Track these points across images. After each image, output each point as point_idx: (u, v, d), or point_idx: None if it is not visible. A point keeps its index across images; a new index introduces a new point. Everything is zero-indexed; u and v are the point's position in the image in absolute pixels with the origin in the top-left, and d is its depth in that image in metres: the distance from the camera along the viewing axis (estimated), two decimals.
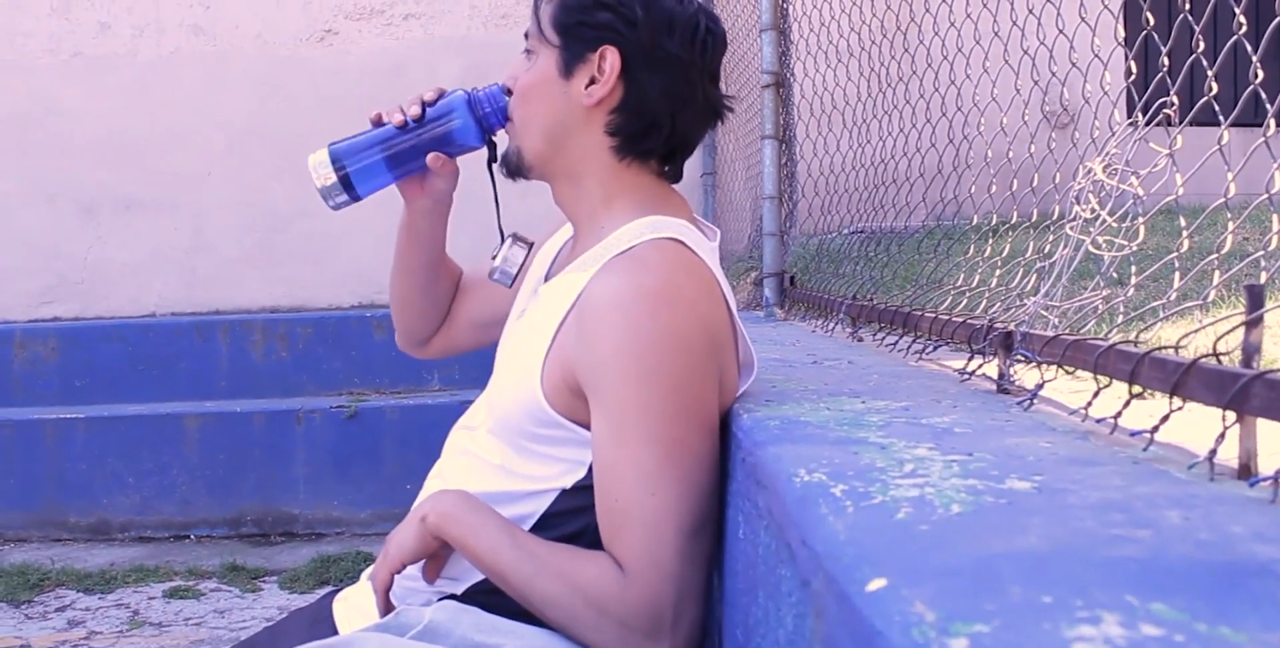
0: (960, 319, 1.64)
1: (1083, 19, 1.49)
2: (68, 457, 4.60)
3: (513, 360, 1.36)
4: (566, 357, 1.25)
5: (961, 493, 0.83)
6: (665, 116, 1.34)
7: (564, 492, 1.29)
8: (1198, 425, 0.97)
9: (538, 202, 1.55)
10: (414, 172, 1.46)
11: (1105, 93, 1.44)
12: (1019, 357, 1.37)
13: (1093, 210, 1.35)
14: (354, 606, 1.44)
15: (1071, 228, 1.38)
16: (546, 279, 1.44)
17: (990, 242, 1.80)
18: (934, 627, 0.56)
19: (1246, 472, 0.88)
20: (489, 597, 1.30)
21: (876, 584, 0.64)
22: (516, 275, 1.48)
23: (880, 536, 0.73)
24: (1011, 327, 1.41)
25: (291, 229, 5.49)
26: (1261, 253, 1.02)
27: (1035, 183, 1.66)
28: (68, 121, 5.58)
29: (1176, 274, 1.18)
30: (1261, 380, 0.85)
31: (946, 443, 1.04)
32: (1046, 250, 1.52)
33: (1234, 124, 1.10)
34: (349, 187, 1.43)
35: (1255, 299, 0.90)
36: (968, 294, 1.80)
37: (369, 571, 1.47)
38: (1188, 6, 1.20)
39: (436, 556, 1.33)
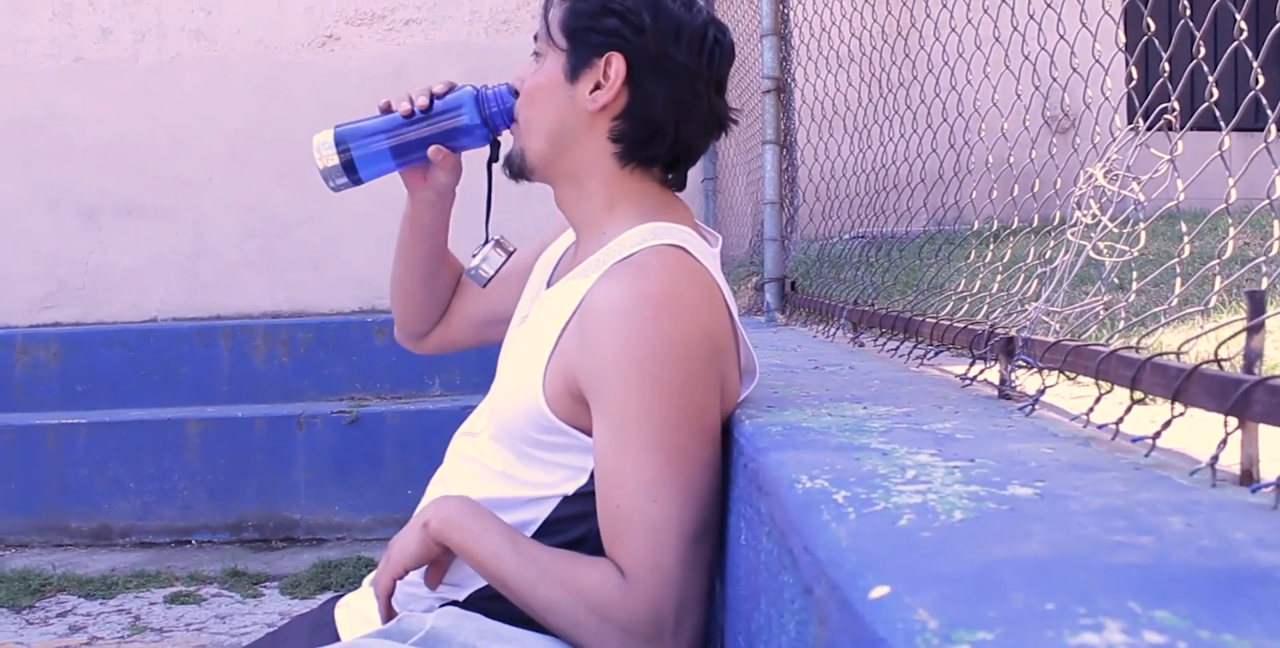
0: (961, 324, 1.64)
1: (1083, 24, 1.50)
2: (69, 462, 4.60)
3: (515, 366, 1.37)
4: (568, 363, 1.25)
5: (964, 499, 0.83)
6: (669, 125, 1.34)
7: (566, 498, 1.29)
8: (1199, 431, 0.97)
9: (540, 205, 1.55)
10: (416, 162, 1.46)
11: (1106, 98, 1.44)
12: (1020, 362, 1.37)
13: (1094, 216, 1.35)
14: (356, 611, 1.44)
15: (1073, 233, 1.38)
16: (549, 285, 1.45)
17: (991, 247, 1.80)
18: (937, 634, 0.56)
19: (1248, 478, 0.88)
20: (491, 603, 1.30)
21: (879, 591, 0.64)
22: (490, 278, 1.49)
23: (883, 542, 0.73)
24: (1013, 332, 1.41)
25: (293, 234, 5.49)
26: (1263, 258, 1.02)
27: (1036, 188, 1.66)
28: (69, 127, 5.59)
29: (1178, 279, 1.18)
30: (1263, 386, 0.85)
31: (948, 449, 1.04)
32: (1048, 256, 1.52)
33: (1235, 129, 1.10)
34: (351, 170, 1.44)
35: (1256, 305, 0.90)
36: (969, 299, 1.80)
37: (371, 576, 1.47)
38: (1188, 12, 1.20)
39: (439, 561, 1.33)
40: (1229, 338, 0.92)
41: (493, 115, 1.42)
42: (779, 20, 3.36)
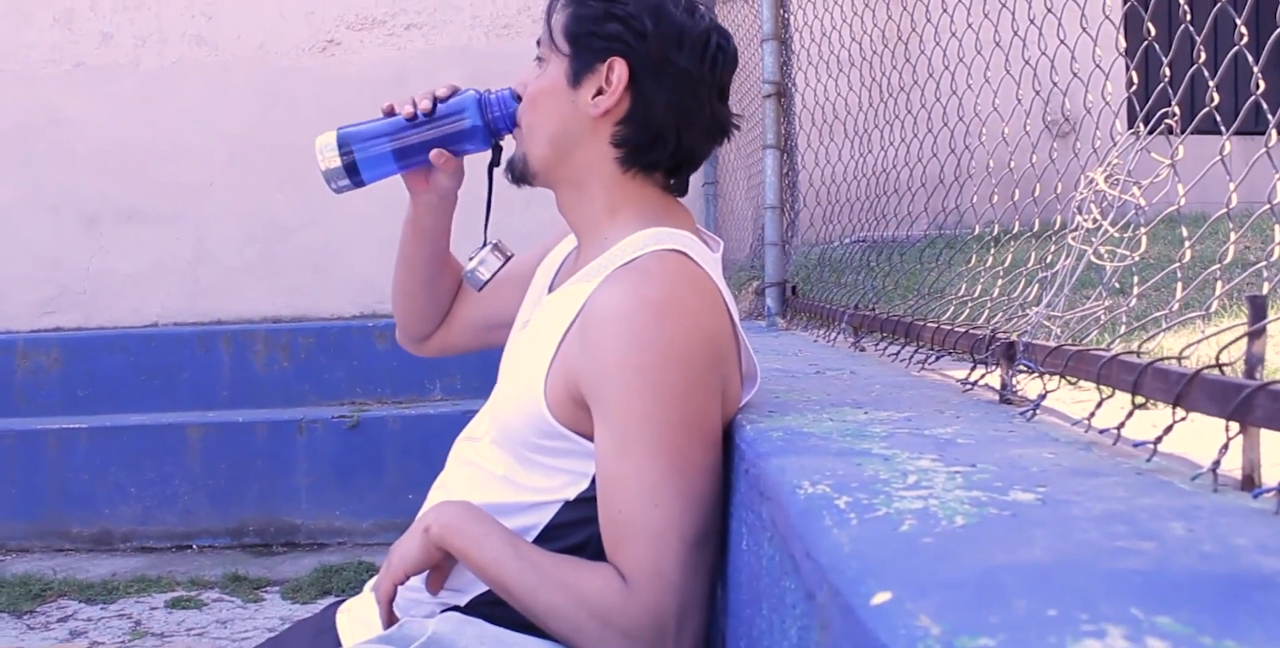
0: (962, 329, 1.64)
1: (1084, 29, 1.50)
2: (70, 467, 4.60)
3: (516, 371, 1.37)
4: (570, 368, 1.26)
5: (965, 505, 0.83)
6: (670, 130, 1.34)
7: (567, 503, 1.29)
8: (1201, 436, 0.97)
9: (542, 210, 1.55)
10: (419, 165, 1.46)
11: (1106, 103, 1.44)
12: (1021, 367, 1.37)
13: (1095, 220, 1.35)
14: (357, 616, 1.44)
15: (1074, 237, 1.38)
16: (550, 290, 1.45)
17: (992, 251, 1.80)
18: (939, 640, 0.56)
19: (1250, 483, 0.88)
20: (493, 608, 1.30)
21: (881, 597, 0.64)
22: (487, 282, 1.49)
23: (884, 548, 0.73)
24: (1014, 337, 1.41)
25: (293, 239, 5.49)
26: (1264, 263, 1.02)
27: (1037, 192, 1.66)
28: (70, 132, 5.59)
29: (1179, 284, 1.18)
30: (1265, 391, 0.85)
31: (950, 454, 1.04)
32: (1048, 260, 1.52)
33: (1235, 133, 1.10)
34: (353, 172, 1.44)
35: (1258, 310, 0.90)
36: (970, 304, 1.80)
37: (372, 581, 1.47)
38: (1189, 17, 1.20)
39: (440, 567, 1.33)
40: (1230, 343, 0.92)
41: (495, 119, 1.43)
42: (779, 25, 3.36)
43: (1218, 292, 1.10)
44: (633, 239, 1.32)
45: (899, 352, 1.98)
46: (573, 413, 1.26)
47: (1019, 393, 1.39)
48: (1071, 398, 1.32)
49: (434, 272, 1.61)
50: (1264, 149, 1.01)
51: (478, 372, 4.61)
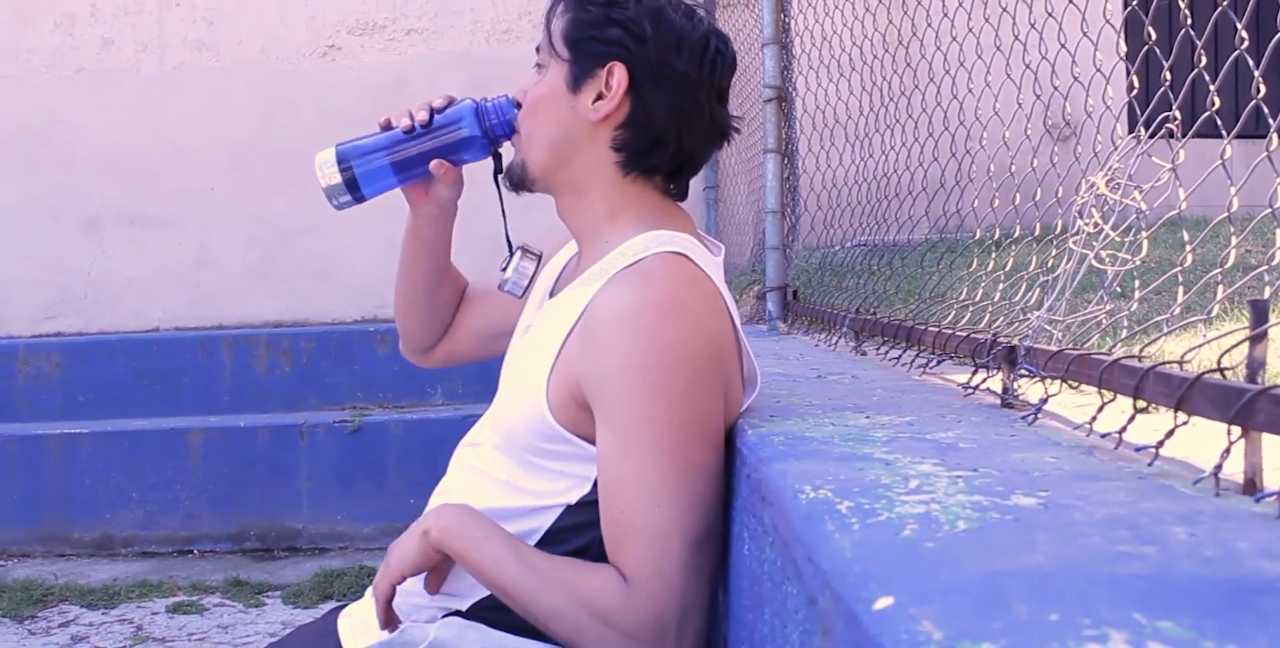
0: (964, 333, 1.64)
1: (1084, 33, 1.50)
2: (71, 472, 4.60)
3: (518, 375, 1.37)
4: (572, 370, 1.26)
5: (967, 509, 0.83)
6: (671, 134, 1.34)
7: (569, 507, 1.29)
8: (1203, 440, 0.97)
9: (542, 215, 1.55)
10: (419, 177, 1.46)
11: (1107, 107, 1.45)
12: (1023, 371, 1.37)
13: (1096, 224, 1.35)
14: (359, 621, 1.44)
15: (1075, 241, 1.38)
16: (551, 295, 1.45)
17: (993, 255, 1.80)
18: (941, 645, 0.56)
19: (1252, 487, 0.88)
20: (494, 613, 1.30)
21: (883, 602, 0.63)
22: (527, 287, 1.49)
23: (886, 553, 0.73)
24: (1015, 341, 1.41)
25: (295, 244, 5.50)
26: (1265, 267, 1.02)
27: (1038, 196, 1.66)
28: (71, 137, 5.60)
29: (1180, 288, 1.18)
30: (1266, 396, 0.85)
31: (951, 459, 1.04)
32: (1050, 264, 1.52)
33: (1236, 136, 1.10)
34: (353, 187, 1.43)
35: (1259, 314, 0.90)
36: (971, 308, 1.80)
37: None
38: (1189, 21, 1.20)
39: (438, 568, 1.33)
40: (1232, 347, 0.92)
41: (493, 126, 1.42)
42: (780, 29, 3.37)
43: (1219, 296, 1.10)
44: (634, 242, 1.32)
45: (900, 356, 1.98)
46: (575, 415, 1.26)
47: (1020, 397, 1.39)
48: (1073, 402, 1.32)
49: (436, 283, 1.61)
50: (1265, 153, 1.01)
51: (479, 377, 4.61)
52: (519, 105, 1.41)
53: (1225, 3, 1.09)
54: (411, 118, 1.43)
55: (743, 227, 4.68)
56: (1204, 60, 1.17)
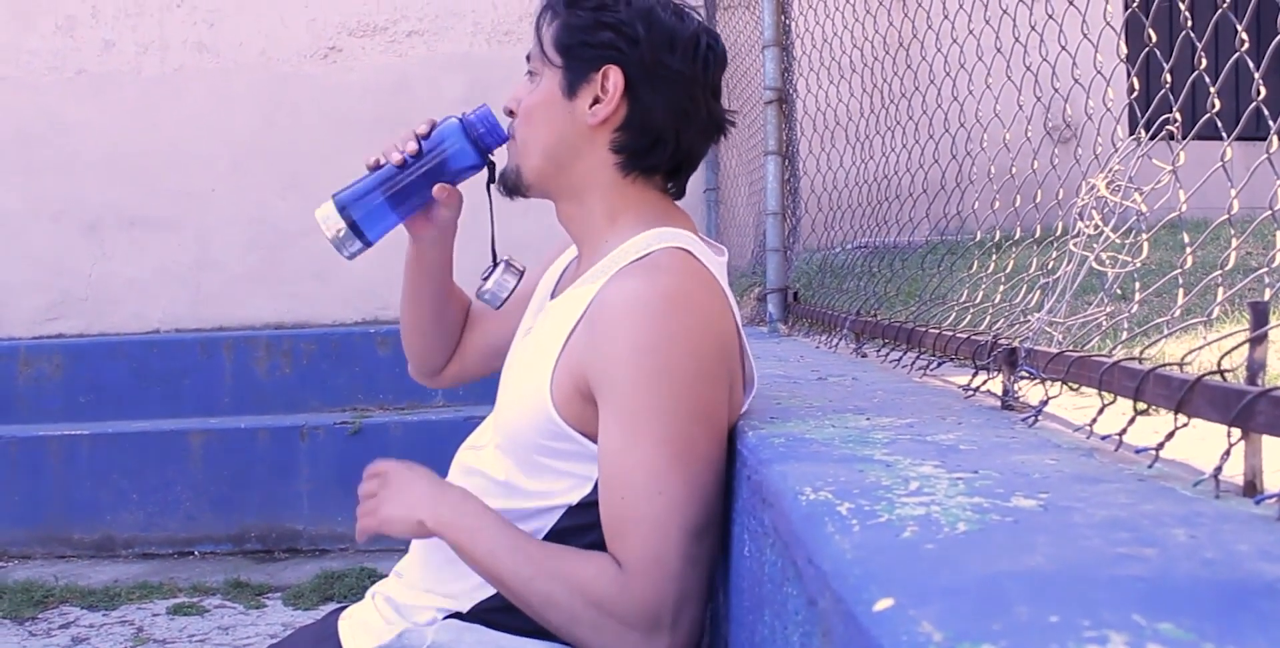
0: (964, 335, 1.64)
1: (1085, 35, 1.50)
2: (72, 473, 4.60)
3: (521, 375, 1.37)
4: (577, 360, 1.26)
5: (967, 511, 0.83)
6: (670, 133, 1.35)
7: (570, 508, 1.30)
8: (1203, 442, 0.97)
9: (541, 218, 1.55)
10: (420, 207, 1.45)
11: (1108, 109, 1.45)
12: (1023, 373, 1.37)
13: (1096, 226, 1.35)
14: (359, 622, 1.44)
15: (1075, 243, 1.38)
16: (552, 297, 1.45)
17: (994, 257, 1.80)
18: (941, 647, 0.56)
19: (1252, 489, 0.88)
20: (494, 615, 1.31)
21: (884, 604, 0.64)
22: (505, 300, 1.49)
23: (887, 554, 0.73)
24: (1015, 343, 1.41)
25: (295, 246, 5.50)
26: (1265, 269, 1.02)
27: (1038, 198, 1.66)
28: (72, 139, 5.61)
29: (1180, 290, 1.18)
30: (1266, 398, 0.85)
31: (952, 460, 1.04)
32: (1050, 266, 1.52)
33: (1236, 138, 1.10)
34: (359, 233, 1.42)
35: (1259, 316, 0.90)
36: (971, 310, 1.80)
37: (375, 587, 1.47)
38: (1189, 23, 1.20)
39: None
40: (1232, 349, 0.92)
41: (482, 137, 1.41)
42: (780, 31, 3.37)
43: (1219, 298, 1.10)
44: (637, 240, 1.32)
45: (901, 358, 1.98)
46: (579, 410, 1.26)
47: (1021, 399, 1.39)
48: (1073, 404, 1.32)
49: (442, 305, 1.61)
50: (1265, 155, 1.01)
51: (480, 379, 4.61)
52: (512, 113, 1.41)
53: (1225, 4, 1.09)
54: (400, 151, 1.42)
55: (743, 228, 4.68)
56: (1204, 62, 1.17)
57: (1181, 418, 0.96)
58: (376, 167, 1.44)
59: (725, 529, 1.26)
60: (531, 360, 1.34)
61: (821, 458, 1.09)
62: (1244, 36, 1.09)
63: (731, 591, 1.23)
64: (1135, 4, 1.36)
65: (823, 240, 3.32)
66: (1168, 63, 1.25)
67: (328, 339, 5.12)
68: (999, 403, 1.42)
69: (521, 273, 1.50)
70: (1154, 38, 1.29)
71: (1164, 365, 1.02)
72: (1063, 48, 1.59)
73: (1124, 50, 1.48)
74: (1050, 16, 1.63)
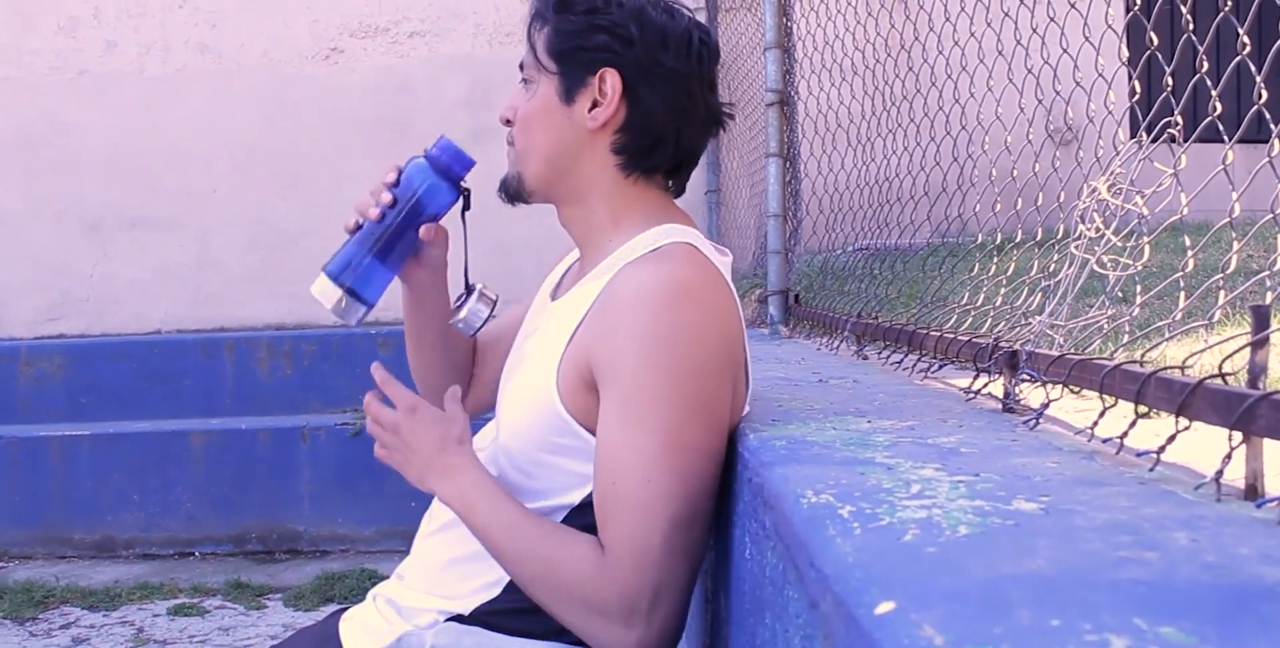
0: (965, 338, 1.64)
1: (1086, 38, 1.50)
2: (73, 474, 4.60)
3: (525, 372, 1.37)
4: (584, 347, 1.26)
5: (969, 514, 0.83)
6: (670, 131, 1.35)
7: (573, 509, 1.30)
8: (1204, 445, 0.97)
9: (542, 221, 1.55)
10: (409, 254, 1.43)
11: (1109, 111, 1.45)
12: (1024, 376, 1.37)
13: (1097, 229, 1.36)
14: (361, 624, 1.44)
15: (1076, 246, 1.38)
16: (555, 298, 1.45)
17: (995, 260, 1.80)
18: None
19: (1253, 493, 0.88)
20: (494, 617, 1.31)
21: (885, 607, 0.64)
22: (479, 328, 1.48)
23: (888, 558, 0.74)
24: (1017, 346, 1.41)
25: (297, 246, 5.50)
26: (1267, 273, 1.02)
27: (1039, 201, 1.67)
28: (74, 139, 5.61)
29: (1182, 293, 1.18)
30: (1268, 401, 0.85)
31: (953, 463, 1.04)
32: (1051, 269, 1.52)
33: (1237, 141, 1.10)
34: (359, 298, 1.41)
35: (1261, 320, 0.90)
36: (972, 313, 1.80)
37: (375, 589, 1.47)
38: (1191, 27, 1.20)
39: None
40: (1234, 353, 0.92)
41: (449, 168, 1.40)
42: (782, 33, 3.37)
43: (1221, 301, 1.10)
44: (644, 236, 1.33)
45: (902, 360, 1.98)
46: (584, 402, 1.26)
47: (1022, 402, 1.39)
48: (1074, 407, 1.32)
49: (448, 343, 1.59)
50: (1267, 158, 1.01)
51: None
52: (509, 122, 1.41)
53: (1227, 8, 1.09)
54: (376, 204, 1.40)
55: (744, 230, 4.68)
56: (1206, 65, 1.17)
57: (1183, 421, 0.96)
58: (356, 228, 1.42)
59: (726, 531, 1.26)
60: (536, 357, 1.34)
61: (823, 461, 1.09)
62: (1246, 40, 1.10)
63: (732, 593, 1.23)
64: (1137, 7, 1.36)
65: (824, 242, 3.32)
66: (1169, 66, 1.25)
67: (329, 340, 5.12)
68: (1000, 406, 1.43)
69: (495, 301, 1.48)
70: (1155, 41, 1.29)
71: (1165, 369, 1.02)
72: (1064, 50, 1.60)
73: (1125, 53, 1.48)
74: (1052, 19, 1.63)
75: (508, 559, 1.26)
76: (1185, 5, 1.22)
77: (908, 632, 0.59)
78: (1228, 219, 1.10)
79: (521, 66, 1.40)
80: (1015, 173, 1.78)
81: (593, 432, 1.26)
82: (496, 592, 1.31)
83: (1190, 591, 0.65)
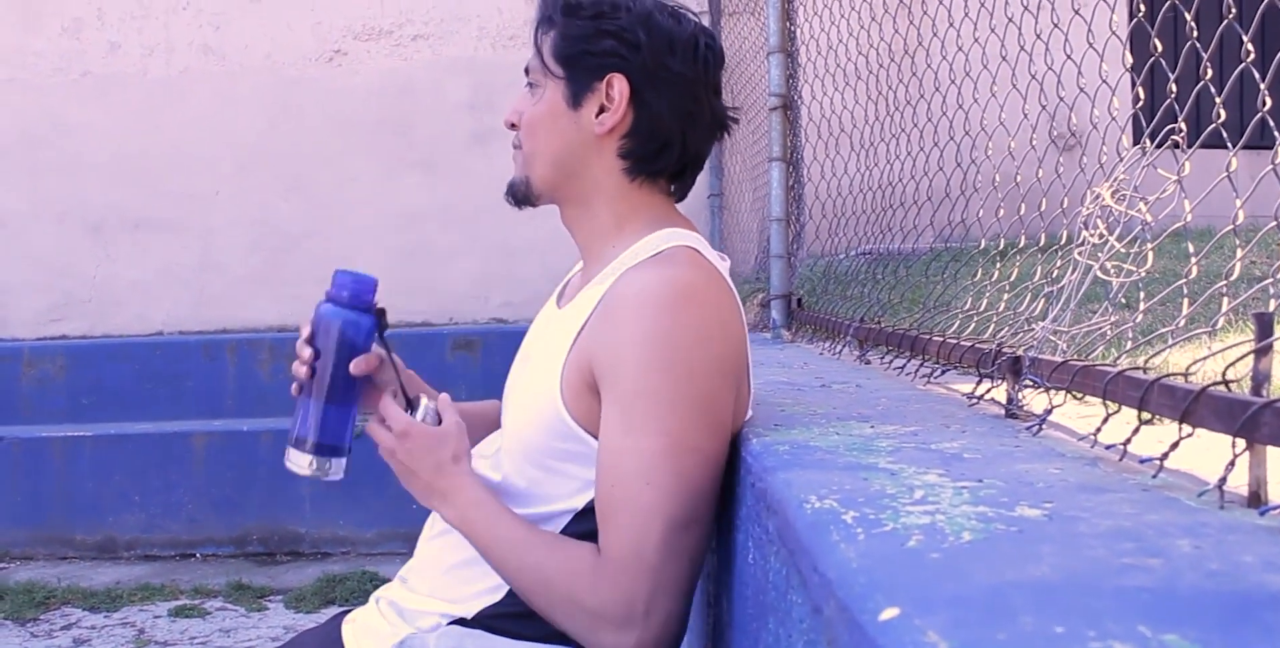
0: (968, 343, 1.64)
1: (1090, 45, 1.50)
2: (75, 475, 4.61)
3: (529, 377, 1.37)
4: (587, 349, 1.26)
5: (972, 520, 0.83)
6: (676, 135, 1.35)
7: (576, 514, 1.30)
8: (1207, 452, 0.97)
9: (545, 223, 1.56)
10: (358, 390, 1.40)
11: (1113, 118, 1.45)
12: (1027, 382, 1.37)
13: (1101, 235, 1.36)
14: (364, 626, 1.44)
15: (1079, 252, 1.38)
16: (560, 306, 1.45)
17: (998, 265, 1.81)
18: None
19: (1256, 500, 0.88)
20: (497, 621, 1.31)
21: (889, 613, 0.64)
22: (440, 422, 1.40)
23: (892, 563, 0.74)
24: (1020, 351, 1.42)
25: (299, 248, 5.51)
26: (1270, 279, 1.02)
27: (1043, 206, 1.67)
28: (77, 140, 5.62)
29: (1185, 300, 1.18)
30: (1271, 409, 0.85)
31: (956, 469, 1.04)
32: (1054, 275, 1.52)
33: (1241, 148, 1.11)
34: (330, 451, 1.41)
35: (1264, 327, 0.91)
36: (975, 318, 1.80)
37: (378, 591, 1.47)
38: (1195, 34, 1.21)
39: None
40: (1237, 360, 0.93)
41: (353, 297, 1.37)
42: (786, 38, 3.37)
43: (1224, 307, 1.10)
44: (648, 240, 1.33)
45: (904, 365, 1.98)
46: (588, 406, 1.26)
47: (1025, 408, 1.39)
48: (1077, 413, 1.33)
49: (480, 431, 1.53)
50: (1270, 165, 1.01)
51: (483, 382, 4.61)
52: (514, 126, 1.41)
53: (1231, 15, 1.09)
54: (302, 361, 1.39)
55: (747, 234, 4.68)
56: (1209, 72, 1.18)
57: (1186, 428, 0.96)
58: (298, 390, 1.41)
59: (729, 536, 1.26)
60: (540, 363, 1.34)
61: (826, 466, 1.09)
62: (1249, 47, 1.10)
63: (735, 597, 1.23)
64: (1140, 14, 1.36)
65: (827, 247, 3.32)
66: (1173, 73, 1.26)
67: None
68: (1003, 411, 1.43)
69: (438, 396, 1.42)
70: (1159, 48, 1.30)
71: (1169, 376, 1.03)
72: (1068, 56, 1.60)
73: (1129, 60, 1.48)
74: (1056, 25, 1.64)
75: (509, 573, 1.27)
76: (1189, 12, 1.22)
77: (912, 638, 0.60)
78: (1231, 226, 1.10)
79: (527, 70, 1.40)
80: (1018, 178, 1.78)
81: (596, 436, 1.26)
82: (499, 596, 1.32)
83: (1194, 598, 0.65)
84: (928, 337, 1.87)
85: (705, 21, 1.41)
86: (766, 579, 1.02)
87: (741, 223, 4.90)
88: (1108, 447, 1.11)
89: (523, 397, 1.36)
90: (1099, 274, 1.33)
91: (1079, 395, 1.25)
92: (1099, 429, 1.15)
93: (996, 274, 1.80)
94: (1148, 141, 1.32)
